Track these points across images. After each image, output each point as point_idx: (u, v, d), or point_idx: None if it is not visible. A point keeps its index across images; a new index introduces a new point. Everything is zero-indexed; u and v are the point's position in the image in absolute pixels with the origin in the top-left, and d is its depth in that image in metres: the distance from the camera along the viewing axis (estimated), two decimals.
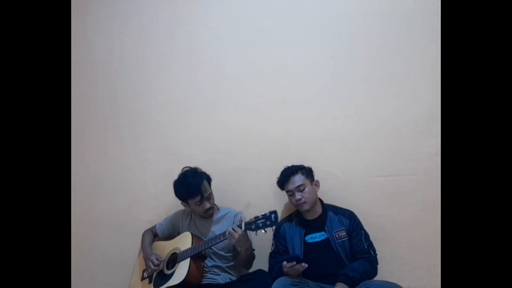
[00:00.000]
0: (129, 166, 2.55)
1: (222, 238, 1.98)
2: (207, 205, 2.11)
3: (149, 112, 2.57)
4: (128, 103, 2.60)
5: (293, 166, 2.12)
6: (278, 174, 2.14)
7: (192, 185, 2.07)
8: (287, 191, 2.10)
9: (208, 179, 2.17)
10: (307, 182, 2.07)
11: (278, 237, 2.13)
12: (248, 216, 2.06)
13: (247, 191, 2.38)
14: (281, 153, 2.36)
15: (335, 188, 2.20)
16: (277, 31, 2.47)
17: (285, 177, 2.09)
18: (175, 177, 2.18)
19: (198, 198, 2.08)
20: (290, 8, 2.47)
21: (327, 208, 2.12)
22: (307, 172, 2.12)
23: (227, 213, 2.23)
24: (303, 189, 2.04)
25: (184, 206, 2.19)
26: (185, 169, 2.18)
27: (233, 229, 1.91)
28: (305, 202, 2.03)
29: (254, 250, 2.12)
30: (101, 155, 2.59)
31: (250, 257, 2.09)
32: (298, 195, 2.04)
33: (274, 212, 1.88)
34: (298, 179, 2.06)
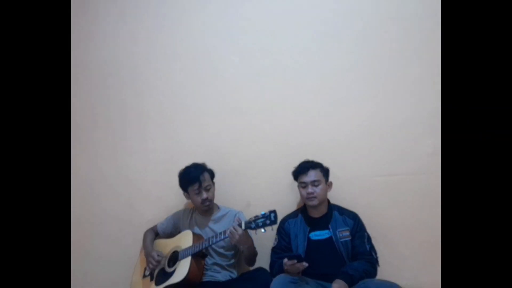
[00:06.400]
0: (130, 166, 2.55)
1: (222, 237, 1.99)
2: (204, 195, 2.14)
3: (150, 112, 2.57)
4: (129, 103, 2.60)
5: (313, 161, 2.15)
6: (278, 173, 2.16)
7: (191, 172, 2.16)
8: (300, 182, 2.12)
9: (210, 173, 2.22)
10: (323, 180, 2.10)
11: (281, 233, 2.15)
12: (248, 215, 2.07)
13: (247, 191, 2.39)
14: (281, 153, 2.37)
15: (335, 187, 2.19)
16: (277, 32, 2.47)
17: (303, 168, 2.11)
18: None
19: (196, 186, 2.13)
20: (290, 9, 2.46)
21: (333, 208, 2.14)
22: (325, 171, 2.15)
23: (227, 213, 2.25)
24: (317, 185, 2.07)
25: (186, 197, 2.24)
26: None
27: (234, 228, 1.93)
28: (315, 197, 2.05)
29: (257, 253, 2.13)
30: (103, 154, 2.59)
31: (253, 255, 2.11)
32: (310, 189, 2.06)
33: (274, 211, 1.89)
34: (315, 174, 2.09)
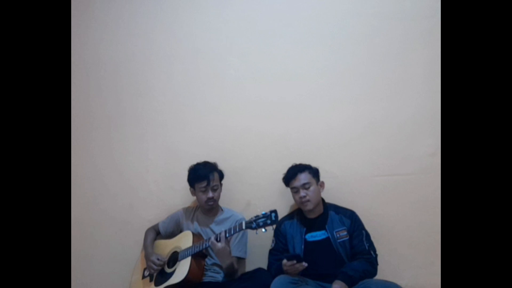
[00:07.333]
0: (131, 166, 2.56)
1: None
2: (210, 194, 2.15)
3: (150, 112, 2.58)
4: (130, 103, 2.61)
5: (300, 164, 2.13)
6: (278, 173, 2.15)
7: (201, 170, 2.17)
8: (291, 188, 2.11)
9: (220, 174, 2.23)
10: (313, 181, 2.08)
11: (278, 235, 2.14)
12: (248, 215, 2.07)
13: (247, 191, 2.40)
14: (281, 153, 2.37)
15: (334, 187, 2.20)
16: (276, 32, 2.48)
17: (292, 174, 2.10)
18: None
19: (204, 183, 2.14)
20: (289, 9, 2.47)
21: (329, 208, 2.13)
22: (314, 172, 2.12)
23: (230, 216, 2.25)
24: (308, 188, 2.05)
25: (192, 193, 2.24)
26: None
27: (214, 240, 1.94)
28: (308, 201, 2.04)
29: (236, 270, 2.08)
30: (103, 154, 2.60)
31: (231, 272, 2.06)
32: (302, 192, 2.04)
33: (274, 211, 1.89)
34: (304, 177, 2.07)
